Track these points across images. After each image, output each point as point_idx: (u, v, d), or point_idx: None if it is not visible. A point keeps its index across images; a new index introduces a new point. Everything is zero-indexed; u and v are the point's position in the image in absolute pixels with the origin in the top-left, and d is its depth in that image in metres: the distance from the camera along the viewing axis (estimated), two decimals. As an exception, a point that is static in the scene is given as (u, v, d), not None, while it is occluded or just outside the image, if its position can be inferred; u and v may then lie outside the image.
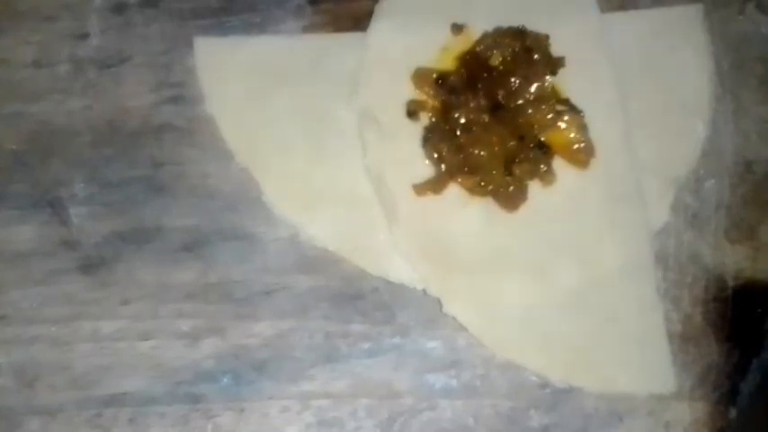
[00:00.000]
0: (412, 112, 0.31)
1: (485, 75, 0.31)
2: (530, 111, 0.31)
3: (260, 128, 0.32)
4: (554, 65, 0.32)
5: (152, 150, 0.32)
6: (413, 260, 0.31)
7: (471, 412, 0.30)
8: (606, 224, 0.29)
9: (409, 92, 0.31)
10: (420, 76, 0.31)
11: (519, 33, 0.31)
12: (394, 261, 0.31)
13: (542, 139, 0.31)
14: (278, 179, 0.32)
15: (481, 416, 0.30)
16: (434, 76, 0.31)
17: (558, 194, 0.31)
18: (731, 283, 0.31)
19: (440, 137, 0.31)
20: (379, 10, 0.33)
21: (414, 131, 0.32)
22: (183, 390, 0.30)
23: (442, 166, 0.31)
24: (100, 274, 0.31)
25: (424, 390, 0.30)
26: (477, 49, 0.31)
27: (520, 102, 0.31)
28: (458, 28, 0.32)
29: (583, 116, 0.31)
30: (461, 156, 0.31)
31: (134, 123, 0.33)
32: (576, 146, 0.31)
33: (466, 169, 0.31)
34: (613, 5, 0.33)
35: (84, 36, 0.33)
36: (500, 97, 0.31)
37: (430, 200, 0.31)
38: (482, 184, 0.31)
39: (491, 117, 0.31)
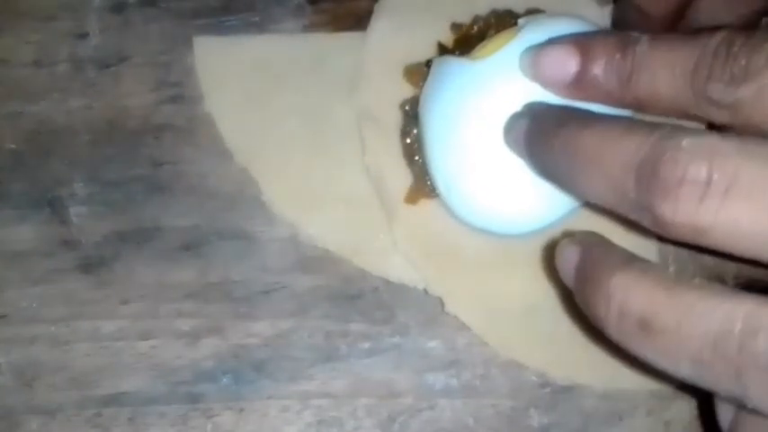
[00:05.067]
0: (411, 112, 0.31)
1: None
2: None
3: (259, 127, 0.32)
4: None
5: (151, 150, 0.32)
6: (414, 259, 0.31)
7: (471, 412, 0.30)
8: (607, 222, 0.29)
9: (409, 91, 0.31)
10: (412, 72, 0.31)
11: (512, 15, 0.31)
12: (394, 260, 0.31)
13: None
14: (277, 178, 0.32)
15: (481, 415, 0.30)
16: (425, 67, 0.31)
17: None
18: (731, 282, 0.31)
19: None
20: (379, 9, 0.32)
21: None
22: (182, 389, 0.30)
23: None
24: (99, 274, 0.31)
25: (423, 389, 0.30)
26: (471, 32, 0.31)
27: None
28: (458, 27, 0.32)
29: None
30: None
31: (133, 123, 0.33)
32: None
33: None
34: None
35: (84, 35, 0.33)
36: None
37: (430, 199, 0.31)
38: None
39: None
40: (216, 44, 0.33)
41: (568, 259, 0.24)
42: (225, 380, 0.30)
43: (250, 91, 0.33)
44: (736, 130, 0.22)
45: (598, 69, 0.24)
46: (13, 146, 0.32)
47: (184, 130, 0.33)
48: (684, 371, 0.20)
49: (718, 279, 0.31)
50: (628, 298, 0.21)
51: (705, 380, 0.20)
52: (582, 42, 0.25)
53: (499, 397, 0.30)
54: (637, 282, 0.21)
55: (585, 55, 0.25)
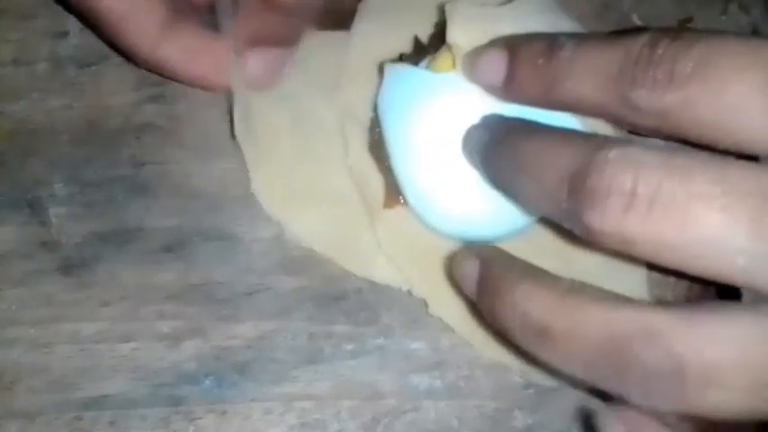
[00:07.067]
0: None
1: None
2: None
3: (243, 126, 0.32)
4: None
5: (133, 150, 0.32)
6: (397, 261, 0.31)
7: (455, 413, 0.30)
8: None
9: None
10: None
11: None
12: (378, 261, 0.31)
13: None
14: (261, 178, 0.32)
15: (465, 417, 0.30)
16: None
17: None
18: (714, 282, 0.31)
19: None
20: (363, 8, 0.32)
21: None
22: (164, 392, 0.30)
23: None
24: (80, 276, 0.31)
25: (407, 391, 0.30)
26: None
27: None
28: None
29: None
30: None
31: (114, 122, 0.32)
32: None
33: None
34: (595, 5, 0.33)
35: (64, 34, 0.33)
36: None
37: (402, 206, 0.31)
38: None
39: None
40: (198, 43, 0.33)
41: (469, 272, 0.26)
42: (207, 382, 0.30)
43: (233, 90, 0.32)
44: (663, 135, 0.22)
45: (523, 74, 0.25)
46: (-9, 146, 0.32)
47: (166, 130, 0.32)
48: (578, 372, 0.22)
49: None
50: (528, 307, 0.23)
51: (595, 380, 0.22)
52: (511, 44, 0.25)
53: (483, 398, 0.30)
54: (535, 291, 0.23)
55: (513, 59, 0.25)
